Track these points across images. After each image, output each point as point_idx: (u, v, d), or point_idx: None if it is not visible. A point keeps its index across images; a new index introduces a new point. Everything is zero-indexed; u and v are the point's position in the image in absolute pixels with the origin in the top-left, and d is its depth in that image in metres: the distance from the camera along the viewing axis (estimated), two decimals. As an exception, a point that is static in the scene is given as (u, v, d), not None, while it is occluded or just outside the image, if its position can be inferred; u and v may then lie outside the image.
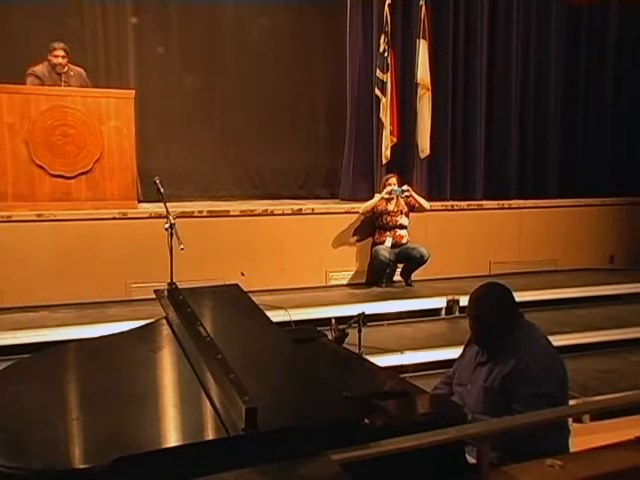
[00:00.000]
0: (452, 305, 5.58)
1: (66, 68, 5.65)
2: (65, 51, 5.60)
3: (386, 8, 6.55)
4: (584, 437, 2.82)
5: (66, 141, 5.38)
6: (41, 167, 5.32)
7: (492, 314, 2.63)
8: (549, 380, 2.52)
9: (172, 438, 1.86)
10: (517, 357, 2.53)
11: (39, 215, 5.17)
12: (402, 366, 4.44)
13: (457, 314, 5.48)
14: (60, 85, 5.61)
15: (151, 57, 6.75)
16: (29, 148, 5.27)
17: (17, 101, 5.25)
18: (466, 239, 6.52)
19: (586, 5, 7.55)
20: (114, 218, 5.37)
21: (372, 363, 2.79)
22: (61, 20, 6.21)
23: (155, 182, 4.76)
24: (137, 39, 6.68)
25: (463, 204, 6.80)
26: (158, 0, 6.71)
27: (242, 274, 5.37)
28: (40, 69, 5.58)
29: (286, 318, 4.78)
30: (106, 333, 2.90)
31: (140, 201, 5.92)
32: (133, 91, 5.66)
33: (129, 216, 5.43)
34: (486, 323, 2.64)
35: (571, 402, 2.90)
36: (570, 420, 2.69)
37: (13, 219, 5.11)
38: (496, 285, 2.77)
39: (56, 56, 5.57)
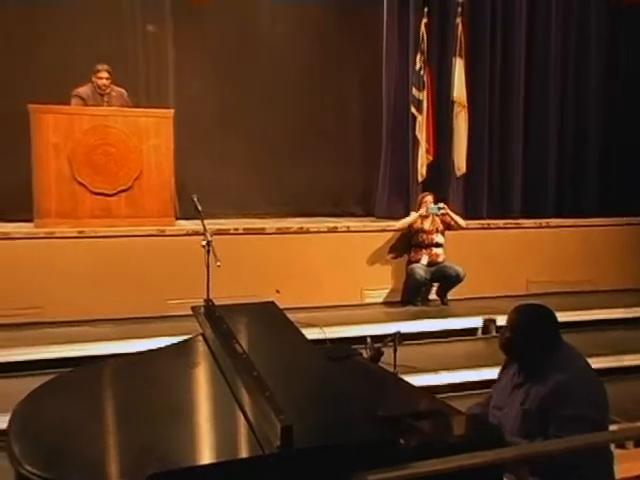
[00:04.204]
0: (489, 325, 5.50)
1: (109, 89, 5.80)
2: (108, 72, 5.76)
3: (422, 26, 6.58)
4: (628, 464, 2.74)
5: (107, 160, 5.51)
6: (83, 185, 5.45)
7: (530, 328, 2.58)
8: (589, 402, 2.46)
9: (207, 455, 1.88)
10: (556, 378, 2.47)
11: (80, 232, 5.29)
12: (437, 386, 4.39)
13: (494, 334, 5.40)
14: (102, 105, 5.76)
15: (189, 76, 6.87)
16: (72, 166, 5.41)
17: (62, 121, 5.42)
18: (503, 257, 6.45)
19: (627, 3, 7.42)
20: (152, 235, 5.46)
21: (407, 382, 2.77)
22: (103, 42, 6.38)
23: (193, 200, 4.82)
24: (176, 59, 6.82)
25: (500, 222, 6.73)
26: (196, 21, 6.85)
27: (277, 291, 5.38)
28: (84, 90, 5.75)
29: (321, 336, 4.77)
30: (144, 348, 2.95)
31: (177, 218, 6.00)
32: (172, 111, 5.78)
33: (167, 233, 5.52)
34: (522, 336, 2.59)
35: (613, 427, 2.83)
36: (613, 446, 2.61)
37: (55, 235, 5.24)
38: (541, 305, 2.73)
39: (100, 77, 5.73)
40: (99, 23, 6.40)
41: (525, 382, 2.58)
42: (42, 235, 5.23)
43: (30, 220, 5.49)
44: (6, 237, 5.16)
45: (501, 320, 4.96)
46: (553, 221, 6.90)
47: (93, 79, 5.76)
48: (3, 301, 5.00)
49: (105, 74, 5.74)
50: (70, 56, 6.15)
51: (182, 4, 6.74)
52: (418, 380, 4.11)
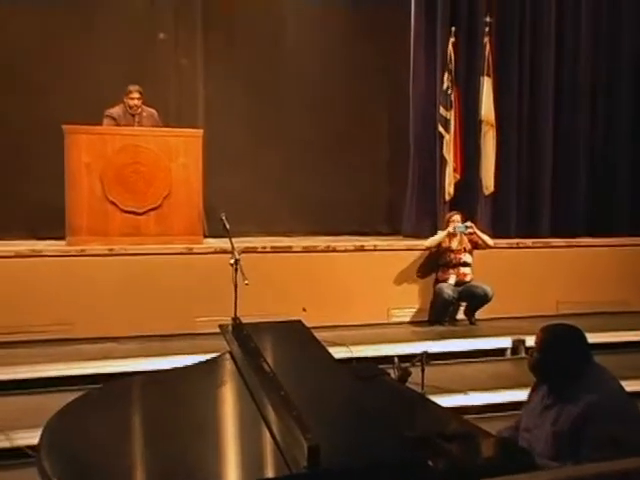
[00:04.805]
0: (518, 345, 5.42)
1: (140, 109, 5.92)
2: (140, 93, 5.89)
3: (450, 46, 6.60)
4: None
5: (137, 178, 5.60)
6: (113, 203, 5.54)
7: (559, 348, 2.54)
8: (622, 424, 2.40)
9: (235, 474, 1.88)
10: (587, 398, 2.42)
11: (110, 250, 5.37)
12: (465, 407, 4.32)
13: (523, 355, 5.32)
14: (134, 125, 5.87)
15: (217, 95, 6.97)
16: (103, 185, 5.51)
17: (95, 141, 5.53)
18: (532, 277, 6.36)
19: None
20: (180, 253, 5.52)
21: (435, 403, 2.74)
22: (134, 63, 6.52)
23: (221, 218, 4.86)
24: (206, 79, 6.93)
25: (528, 241, 6.65)
26: (225, 41, 6.97)
27: (304, 310, 5.39)
28: (116, 110, 5.87)
29: (348, 355, 4.75)
30: (172, 366, 2.97)
31: (205, 236, 6.05)
32: (201, 130, 5.86)
33: (195, 251, 5.57)
34: (551, 356, 2.54)
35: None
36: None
37: (86, 253, 5.32)
38: (570, 325, 2.69)
39: (132, 98, 5.85)
40: (130, 45, 6.56)
41: (556, 403, 2.54)
42: (73, 253, 5.32)
43: (61, 238, 5.59)
44: (38, 254, 5.26)
45: (530, 341, 4.86)
46: (583, 240, 6.80)
47: (125, 100, 5.88)
48: (34, 317, 5.08)
49: (136, 95, 5.86)
50: (102, 77, 6.29)
51: (212, 25, 6.87)
52: (446, 401, 4.07)
